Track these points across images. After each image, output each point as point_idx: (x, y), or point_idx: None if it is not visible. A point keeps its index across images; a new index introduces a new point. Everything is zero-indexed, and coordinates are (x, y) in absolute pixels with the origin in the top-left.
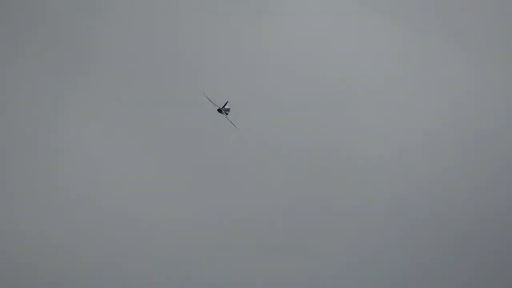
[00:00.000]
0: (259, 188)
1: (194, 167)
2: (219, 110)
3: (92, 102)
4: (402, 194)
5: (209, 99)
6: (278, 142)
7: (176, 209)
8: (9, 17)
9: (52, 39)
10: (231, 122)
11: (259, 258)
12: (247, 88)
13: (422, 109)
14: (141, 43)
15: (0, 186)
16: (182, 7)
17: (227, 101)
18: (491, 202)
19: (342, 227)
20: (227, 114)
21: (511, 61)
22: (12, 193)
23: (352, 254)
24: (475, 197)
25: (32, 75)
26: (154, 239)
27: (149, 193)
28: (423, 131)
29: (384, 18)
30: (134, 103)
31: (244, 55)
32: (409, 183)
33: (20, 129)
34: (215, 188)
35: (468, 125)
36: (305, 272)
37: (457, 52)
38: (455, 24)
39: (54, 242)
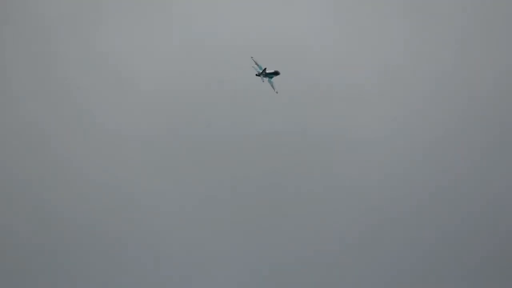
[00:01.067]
0: (262, 164)
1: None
2: (257, 75)
3: None
4: (399, 167)
5: (255, 62)
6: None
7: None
8: None
9: None
10: (271, 86)
11: (262, 222)
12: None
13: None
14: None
15: None
16: None
17: (265, 68)
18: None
19: (340, 194)
20: (270, 78)
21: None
22: None
23: (351, 221)
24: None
25: None
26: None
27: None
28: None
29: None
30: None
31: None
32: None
33: None
34: (221, 156)
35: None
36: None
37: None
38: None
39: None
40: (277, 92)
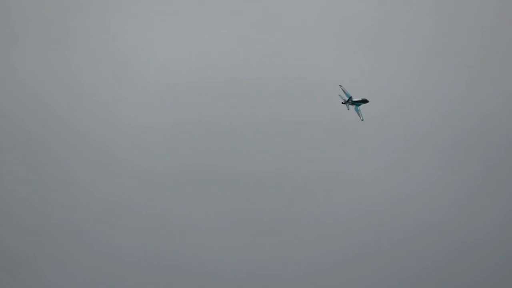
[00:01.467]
0: (261, 197)
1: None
2: (343, 103)
3: None
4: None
5: (344, 91)
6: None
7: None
8: None
9: None
10: (358, 113)
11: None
12: None
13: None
14: None
15: None
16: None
17: (351, 96)
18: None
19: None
20: (357, 105)
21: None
22: None
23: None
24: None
25: None
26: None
27: None
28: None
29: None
30: None
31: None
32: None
33: None
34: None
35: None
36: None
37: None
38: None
39: None
40: (362, 120)
